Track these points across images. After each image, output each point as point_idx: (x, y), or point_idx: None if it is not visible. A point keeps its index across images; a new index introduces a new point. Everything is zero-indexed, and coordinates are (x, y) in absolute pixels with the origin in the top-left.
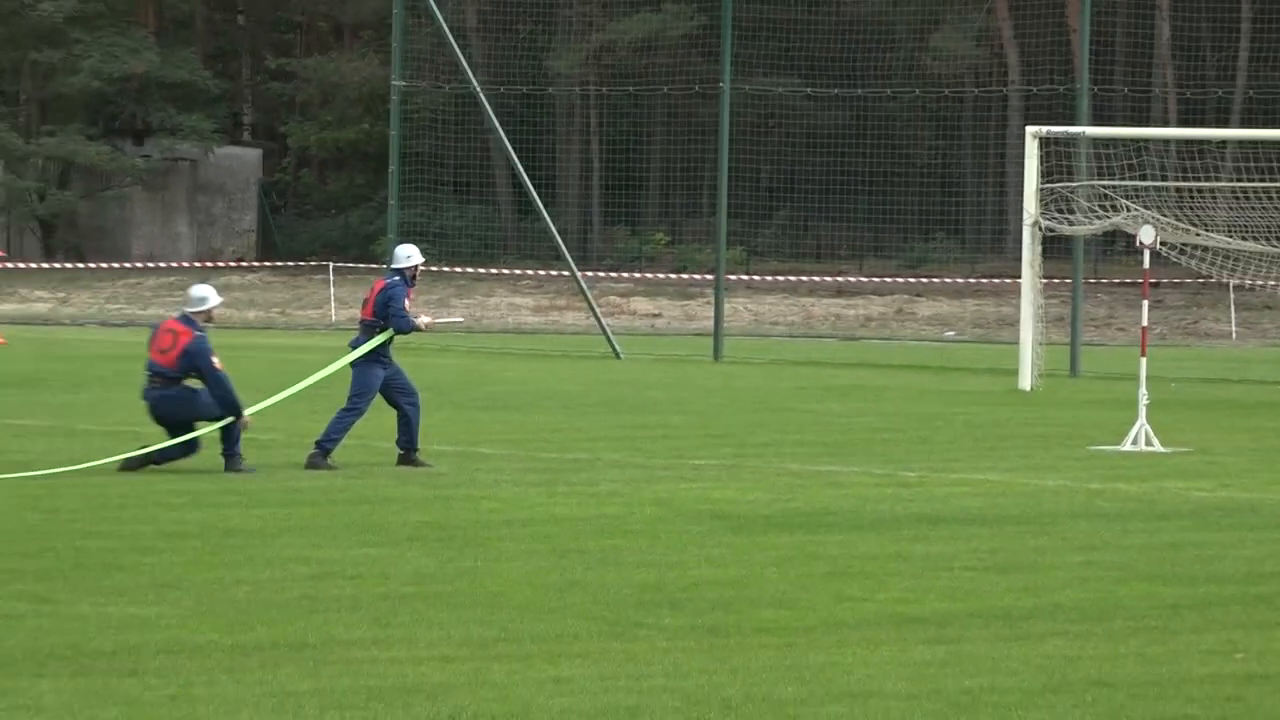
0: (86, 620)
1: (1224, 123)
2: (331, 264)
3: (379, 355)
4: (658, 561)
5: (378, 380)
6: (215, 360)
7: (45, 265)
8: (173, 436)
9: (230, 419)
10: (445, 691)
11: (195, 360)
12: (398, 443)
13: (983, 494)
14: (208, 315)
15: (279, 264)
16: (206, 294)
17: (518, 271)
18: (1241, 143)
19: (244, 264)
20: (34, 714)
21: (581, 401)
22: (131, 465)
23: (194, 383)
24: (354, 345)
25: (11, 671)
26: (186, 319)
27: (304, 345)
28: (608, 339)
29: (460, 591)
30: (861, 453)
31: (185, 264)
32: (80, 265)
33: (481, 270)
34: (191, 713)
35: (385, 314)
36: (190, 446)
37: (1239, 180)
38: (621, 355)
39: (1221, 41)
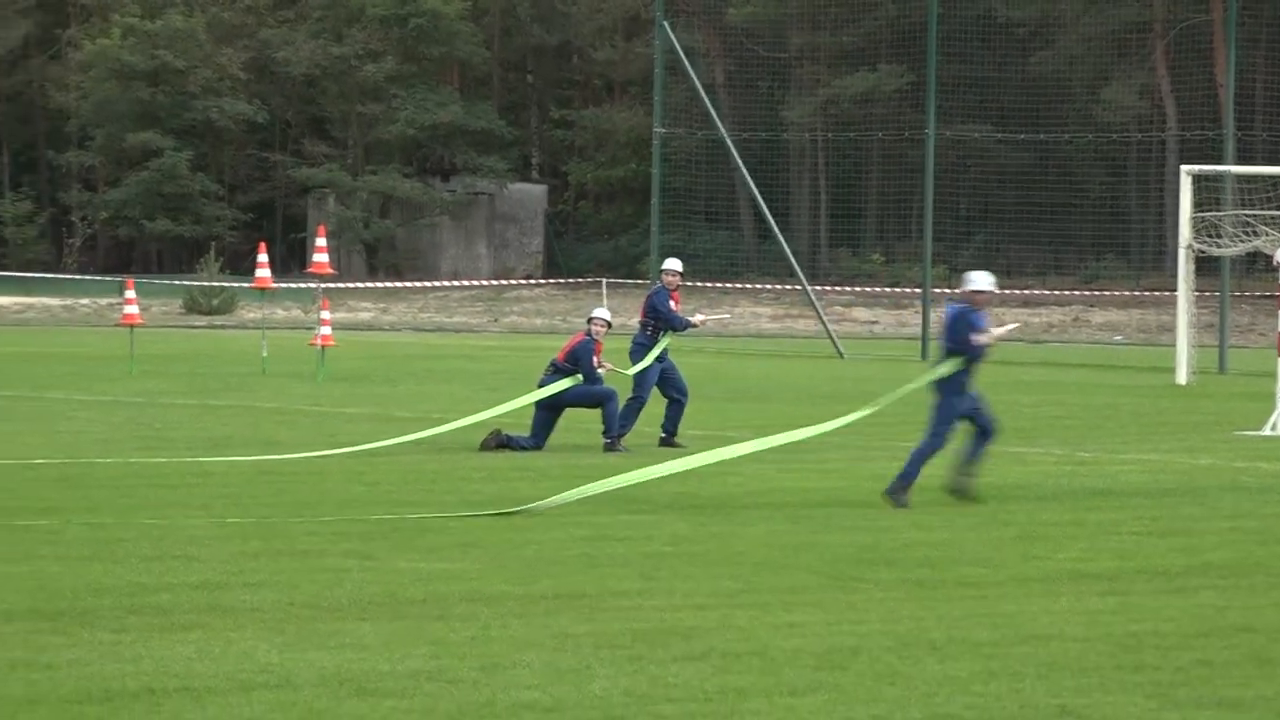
0: (402, 574)
1: None
2: (604, 280)
3: (644, 352)
4: (874, 526)
5: (654, 374)
6: (594, 360)
7: (369, 283)
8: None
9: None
10: (698, 633)
11: (578, 357)
12: (663, 427)
13: (1146, 471)
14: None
15: (561, 280)
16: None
17: (758, 286)
18: None
19: (532, 280)
20: (359, 651)
21: (811, 393)
22: (488, 446)
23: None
24: (635, 342)
25: (341, 616)
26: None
27: None
28: (833, 341)
29: (710, 551)
30: (1045, 436)
31: (484, 281)
32: (397, 282)
33: (728, 284)
34: (488, 651)
35: (656, 317)
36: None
37: None
38: (844, 355)
39: None
